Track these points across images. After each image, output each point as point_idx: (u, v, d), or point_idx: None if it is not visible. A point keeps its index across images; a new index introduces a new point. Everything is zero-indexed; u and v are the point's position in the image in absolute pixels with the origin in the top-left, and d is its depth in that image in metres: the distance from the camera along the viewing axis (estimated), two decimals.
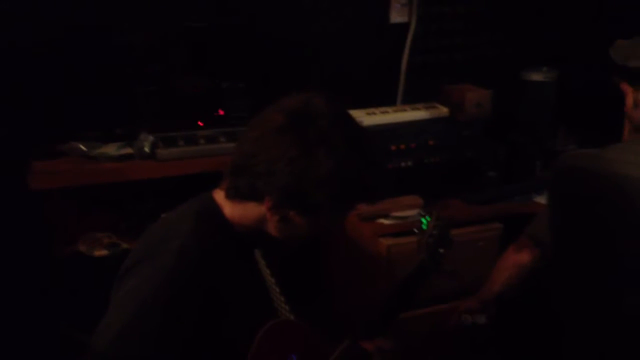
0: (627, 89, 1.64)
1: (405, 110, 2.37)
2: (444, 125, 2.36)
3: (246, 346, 1.32)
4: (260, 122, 1.30)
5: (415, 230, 1.69)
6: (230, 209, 1.35)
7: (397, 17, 2.58)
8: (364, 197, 1.37)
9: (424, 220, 1.67)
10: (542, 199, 2.29)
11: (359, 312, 2.15)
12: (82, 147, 2.08)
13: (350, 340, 1.46)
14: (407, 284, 1.61)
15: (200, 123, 2.24)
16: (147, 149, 2.09)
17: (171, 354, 1.20)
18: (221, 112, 2.27)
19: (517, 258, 1.90)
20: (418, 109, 2.37)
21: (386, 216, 2.17)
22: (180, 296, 1.22)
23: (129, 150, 2.11)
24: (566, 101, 2.64)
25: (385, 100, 2.49)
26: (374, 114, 2.31)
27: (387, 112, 2.34)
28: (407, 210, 2.17)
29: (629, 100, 1.64)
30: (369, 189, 1.33)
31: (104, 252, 1.96)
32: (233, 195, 1.33)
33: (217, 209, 1.35)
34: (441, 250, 1.68)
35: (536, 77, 2.60)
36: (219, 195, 1.37)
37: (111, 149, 2.11)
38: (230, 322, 1.31)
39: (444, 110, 2.37)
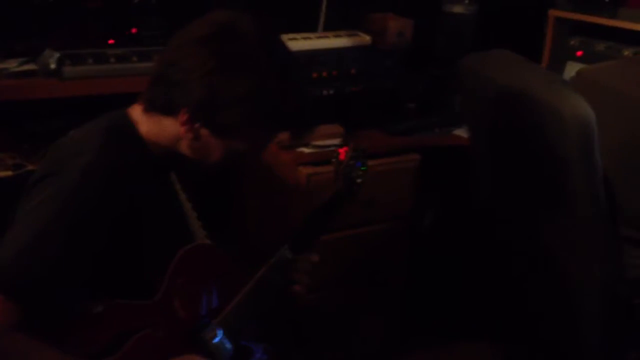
0: None
1: (327, 37, 2.31)
2: (365, 54, 2.32)
3: (160, 271, 1.27)
4: (185, 30, 1.25)
5: (333, 160, 1.68)
6: (146, 125, 1.29)
7: None
8: (282, 125, 1.32)
9: (340, 151, 1.66)
10: (461, 132, 2.31)
11: (275, 240, 2.14)
12: None
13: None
14: (322, 212, 1.59)
15: (111, 41, 2.11)
16: (52, 66, 1.94)
17: (76, 273, 1.14)
18: (133, 31, 2.15)
19: None
20: (340, 36, 2.32)
21: (306, 144, 2.12)
22: (87, 214, 1.15)
23: (32, 67, 1.95)
24: (485, 34, 2.64)
25: (307, 26, 2.42)
26: (296, 39, 2.24)
27: (308, 38, 2.27)
28: (328, 139, 2.13)
29: None
30: (287, 117, 1.28)
31: (8, 173, 1.83)
32: (149, 107, 1.27)
33: (131, 126, 1.29)
34: (358, 181, 1.68)
35: (457, 9, 2.57)
36: (136, 112, 1.30)
37: (12, 65, 1.95)
38: (144, 246, 1.25)
39: (366, 39, 2.33)
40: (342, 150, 1.61)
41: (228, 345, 1.32)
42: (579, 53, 2.43)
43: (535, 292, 1.75)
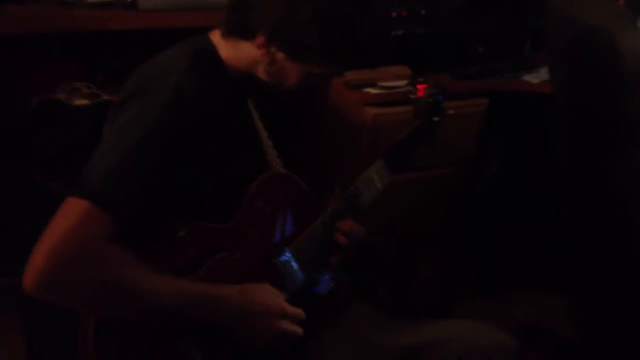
0: None
1: None
2: None
3: (237, 196, 1.30)
4: None
5: (411, 97, 1.67)
6: (225, 50, 1.32)
7: None
8: (355, 51, 1.33)
9: (419, 87, 1.65)
10: (531, 78, 2.26)
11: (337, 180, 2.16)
12: None
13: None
14: (400, 148, 1.59)
15: None
16: None
17: (164, 193, 1.16)
18: None
19: None
20: None
21: (373, 85, 2.12)
22: (177, 133, 1.17)
23: None
24: None
25: None
26: None
27: None
28: (395, 80, 2.12)
29: None
30: (361, 43, 1.31)
31: (84, 102, 1.87)
32: (227, 32, 1.30)
33: (213, 50, 1.31)
34: (435, 119, 1.68)
35: None
36: (215, 36, 1.33)
37: None
38: (223, 171, 1.27)
39: None
40: (420, 87, 1.60)
41: (295, 267, 1.34)
42: None
43: (600, 242, 1.74)
